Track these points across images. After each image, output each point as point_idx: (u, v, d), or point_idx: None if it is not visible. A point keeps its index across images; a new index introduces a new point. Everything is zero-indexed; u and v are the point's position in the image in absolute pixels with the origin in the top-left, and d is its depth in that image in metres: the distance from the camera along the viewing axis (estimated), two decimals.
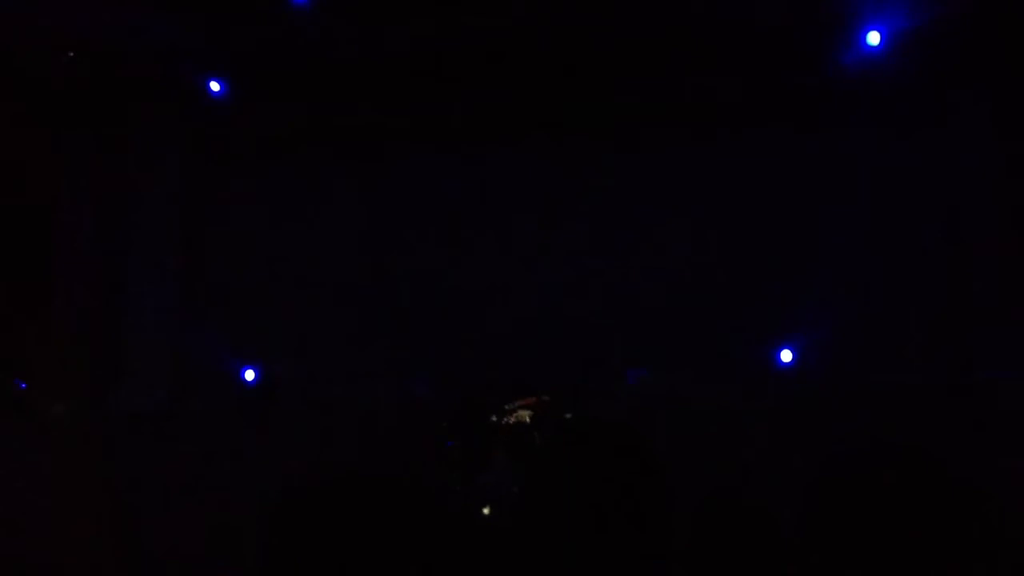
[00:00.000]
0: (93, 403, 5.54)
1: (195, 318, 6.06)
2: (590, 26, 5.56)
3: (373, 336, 5.94)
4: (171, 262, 6.15)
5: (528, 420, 5.29)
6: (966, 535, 2.20)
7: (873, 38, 5.50)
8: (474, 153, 5.99)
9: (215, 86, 6.19)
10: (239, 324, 5.98)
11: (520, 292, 5.86)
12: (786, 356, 5.85)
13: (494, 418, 5.31)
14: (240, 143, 6.18)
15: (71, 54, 5.87)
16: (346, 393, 5.69)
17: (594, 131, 5.89)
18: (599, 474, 2.27)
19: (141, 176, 6.27)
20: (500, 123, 5.92)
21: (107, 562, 3.75)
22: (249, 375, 5.92)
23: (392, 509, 2.30)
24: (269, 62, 5.89)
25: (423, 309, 5.92)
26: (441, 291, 5.92)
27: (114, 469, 4.50)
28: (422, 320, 5.89)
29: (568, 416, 5.10)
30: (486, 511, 5.08)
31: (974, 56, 5.56)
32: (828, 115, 5.72)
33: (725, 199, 5.88)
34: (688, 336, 5.72)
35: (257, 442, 5.51)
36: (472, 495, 5.27)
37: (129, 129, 6.29)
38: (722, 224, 5.87)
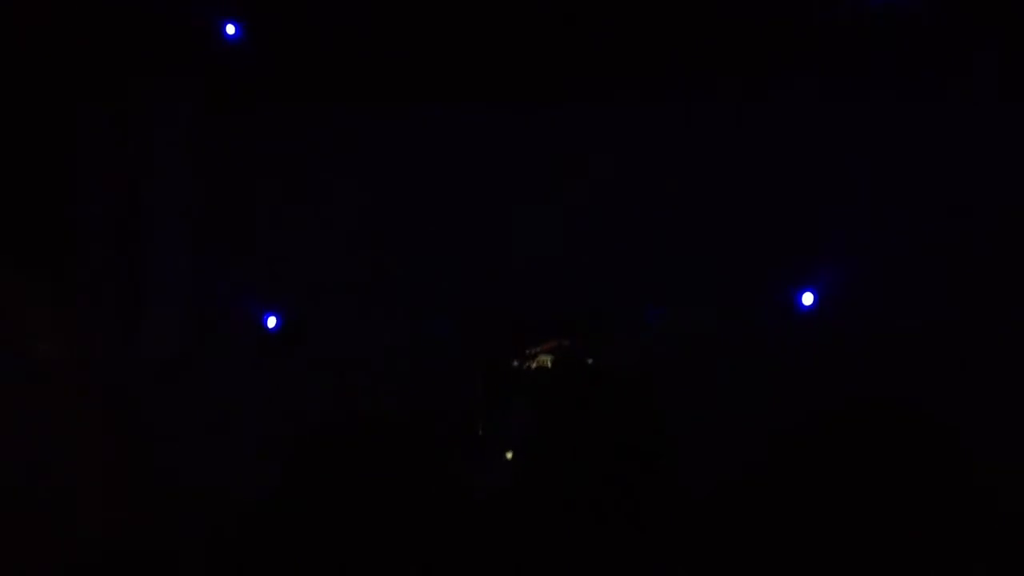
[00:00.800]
0: (112, 350, 5.55)
1: (212, 264, 6.05)
2: None
3: (392, 280, 5.92)
4: (187, 207, 6.13)
5: (549, 365, 5.29)
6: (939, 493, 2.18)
7: None
8: (501, 101, 5.93)
9: (231, 29, 6.13)
10: (256, 270, 5.97)
11: (540, 233, 5.82)
12: (807, 299, 5.82)
13: (515, 363, 5.32)
14: (257, 87, 6.13)
15: None
16: (364, 336, 5.68)
17: (616, 78, 5.82)
18: (612, 422, 2.26)
19: (156, 121, 6.23)
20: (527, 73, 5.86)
21: (123, 506, 3.77)
22: (271, 322, 5.91)
23: (410, 453, 2.29)
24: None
25: (442, 252, 5.89)
26: (461, 233, 5.89)
27: (135, 414, 4.51)
28: (442, 263, 5.87)
29: (588, 361, 5.10)
30: (508, 456, 5.09)
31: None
32: (852, 57, 5.64)
33: (747, 141, 5.82)
34: (709, 277, 5.68)
35: (276, 387, 5.51)
36: (492, 440, 5.28)
37: (142, 76, 6.25)
38: (744, 167, 5.81)
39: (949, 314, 5.55)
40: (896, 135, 5.68)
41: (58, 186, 6.30)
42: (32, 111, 6.07)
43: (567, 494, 2.25)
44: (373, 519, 2.15)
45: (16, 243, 5.80)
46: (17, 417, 3.94)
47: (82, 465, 3.77)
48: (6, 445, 3.87)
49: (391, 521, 2.13)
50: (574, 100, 5.91)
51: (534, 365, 5.24)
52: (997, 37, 5.59)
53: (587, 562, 2.15)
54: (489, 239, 5.87)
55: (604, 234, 5.81)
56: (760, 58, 5.79)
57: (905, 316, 5.60)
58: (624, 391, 2.37)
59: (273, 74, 6.15)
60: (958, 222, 5.61)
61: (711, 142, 5.85)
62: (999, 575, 2.10)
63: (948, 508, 2.14)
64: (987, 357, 5.30)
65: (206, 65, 6.20)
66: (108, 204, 6.22)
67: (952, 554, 2.12)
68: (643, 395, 2.35)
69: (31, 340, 4.14)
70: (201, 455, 5.21)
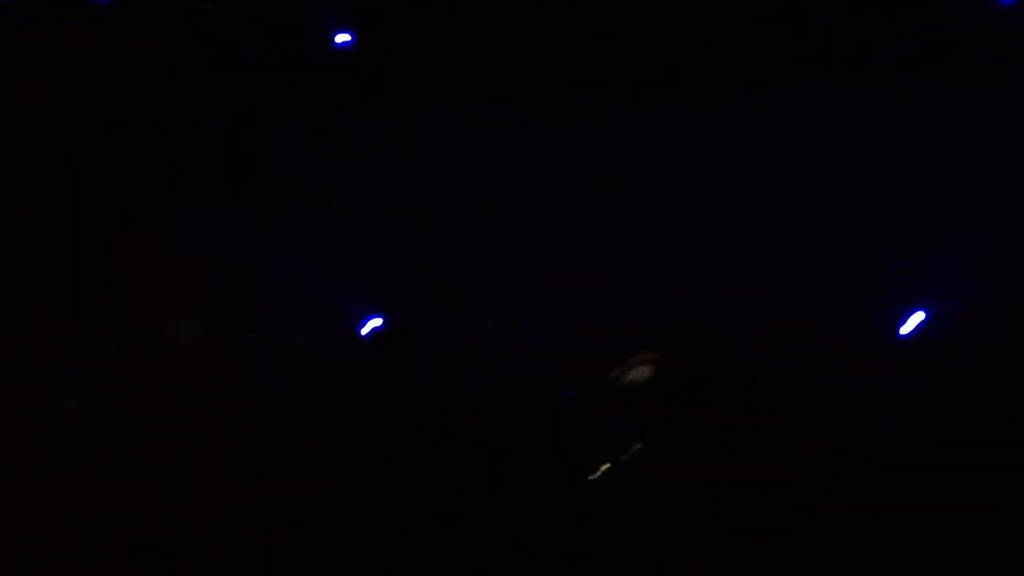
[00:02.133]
0: (222, 344, 5.65)
1: (319, 264, 6.12)
2: None
3: (492, 283, 5.94)
4: (297, 204, 6.21)
5: (650, 374, 5.24)
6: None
7: None
8: (622, 103, 5.93)
9: (344, 36, 6.22)
10: (362, 268, 6.03)
11: (643, 241, 5.80)
12: (914, 320, 5.72)
13: (616, 371, 5.28)
14: (364, 88, 6.21)
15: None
16: (465, 339, 5.70)
17: (712, 73, 5.79)
18: (722, 432, 2.23)
19: (266, 118, 6.32)
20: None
21: (233, 487, 3.83)
22: (376, 322, 5.97)
23: (507, 457, 2.29)
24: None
25: (544, 257, 5.89)
26: (563, 238, 5.89)
27: (248, 404, 4.58)
28: (543, 268, 5.87)
29: (691, 370, 5.05)
30: (604, 467, 5.06)
31: None
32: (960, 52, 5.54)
33: (862, 142, 5.75)
34: (815, 290, 5.62)
35: (378, 384, 5.56)
36: (589, 449, 5.25)
37: (252, 78, 6.35)
38: (856, 172, 5.74)
39: None
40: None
41: (167, 182, 6.43)
42: (138, 106, 6.22)
43: (671, 505, 2.24)
44: (480, 516, 2.16)
45: (135, 235, 5.96)
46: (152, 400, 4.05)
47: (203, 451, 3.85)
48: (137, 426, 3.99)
49: (496, 517, 2.14)
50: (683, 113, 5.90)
51: (634, 373, 5.20)
52: None
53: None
54: (592, 247, 5.86)
55: (710, 245, 5.77)
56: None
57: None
58: (730, 398, 2.35)
59: (377, 73, 6.22)
60: None
61: (808, 141, 5.80)
62: None
63: None
64: None
65: (312, 66, 6.30)
66: (217, 198, 6.33)
67: None
68: (750, 401, 2.32)
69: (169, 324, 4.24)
70: (315, 450, 5.27)
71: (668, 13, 5.82)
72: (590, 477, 3.56)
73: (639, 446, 2.39)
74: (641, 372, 5.26)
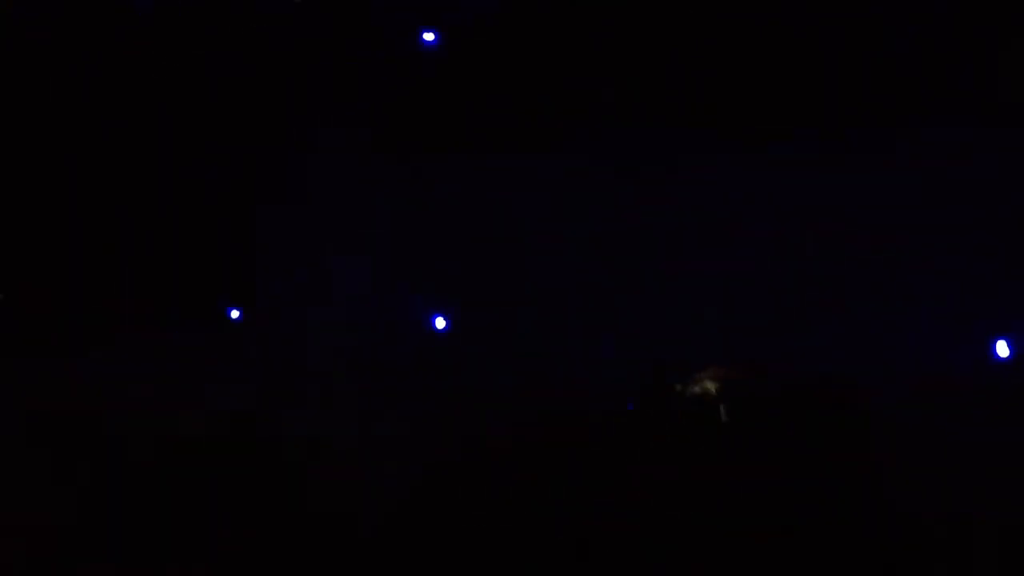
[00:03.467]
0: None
1: (386, 272, 6.12)
2: None
3: (560, 296, 5.88)
4: (366, 217, 6.22)
5: (714, 392, 5.13)
6: None
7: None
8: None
9: (429, 36, 6.17)
10: (429, 274, 6.02)
11: (709, 259, 5.70)
12: (1003, 349, 5.50)
13: (678, 387, 5.18)
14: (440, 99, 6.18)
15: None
16: (530, 349, 5.65)
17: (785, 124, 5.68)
18: (794, 451, 2.12)
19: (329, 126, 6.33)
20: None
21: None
22: (440, 323, 5.95)
23: (571, 469, 2.23)
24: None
25: (611, 273, 5.82)
26: (629, 254, 5.80)
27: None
28: (610, 283, 5.80)
29: (756, 388, 4.93)
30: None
31: None
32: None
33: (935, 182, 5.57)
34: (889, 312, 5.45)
35: (441, 389, 5.53)
36: (653, 463, 5.15)
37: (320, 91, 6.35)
38: (932, 199, 5.56)
39: None
40: None
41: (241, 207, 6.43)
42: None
43: (741, 529, 2.13)
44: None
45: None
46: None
47: None
48: None
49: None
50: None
51: (698, 390, 5.09)
52: None
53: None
54: (658, 263, 5.77)
55: (778, 261, 5.64)
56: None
57: None
58: (804, 418, 2.24)
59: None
60: None
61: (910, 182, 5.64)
62: None
63: None
64: None
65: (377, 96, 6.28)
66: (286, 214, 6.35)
67: None
68: (828, 423, 2.21)
69: None
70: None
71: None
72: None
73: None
74: (707, 387, 5.14)
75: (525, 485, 2.12)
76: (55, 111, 6.23)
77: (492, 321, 5.91)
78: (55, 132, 6.23)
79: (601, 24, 5.78)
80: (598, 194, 5.94)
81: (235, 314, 6.12)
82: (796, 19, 5.66)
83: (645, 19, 5.78)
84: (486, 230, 6.07)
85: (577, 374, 5.58)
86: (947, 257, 5.58)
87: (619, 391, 5.36)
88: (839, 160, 5.72)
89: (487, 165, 6.05)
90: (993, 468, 4.08)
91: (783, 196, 5.73)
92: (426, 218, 6.10)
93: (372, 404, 5.76)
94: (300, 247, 6.17)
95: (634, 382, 5.35)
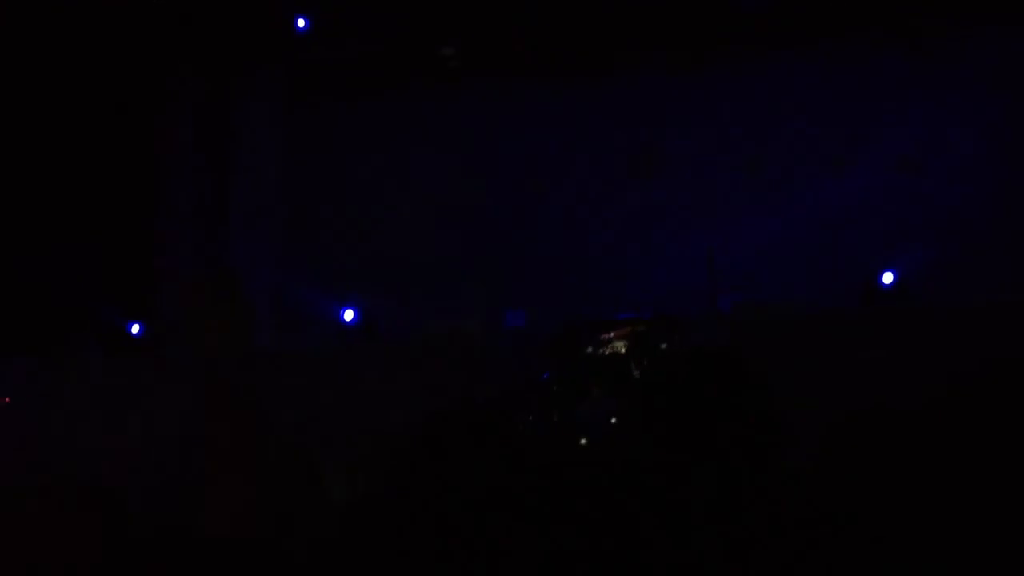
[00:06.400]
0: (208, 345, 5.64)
1: (296, 259, 6.09)
2: None
3: (468, 271, 5.92)
4: (273, 202, 6.16)
5: (624, 351, 5.23)
6: None
7: None
8: (564, 85, 5.89)
9: (300, 22, 6.16)
10: (337, 264, 6.01)
11: (613, 222, 5.79)
12: (887, 278, 5.73)
13: (590, 349, 5.26)
14: (332, 80, 6.15)
15: None
16: (442, 328, 5.68)
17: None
18: (698, 404, 2.19)
19: (242, 117, 6.27)
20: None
21: (239, 490, 3.81)
22: (348, 315, 5.94)
23: (489, 441, 2.28)
24: None
25: (516, 242, 5.87)
26: (533, 223, 5.87)
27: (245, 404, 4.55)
28: (516, 253, 5.85)
29: (663, 346, 5.04)
30: (583, 442, 5.05)
31: None
32: None
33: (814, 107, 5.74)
34: (785, 262, 5.61)
35: (357, 378, 5.53)
36: (569, 427, 5.24)
37: (230, 73, 6.27)
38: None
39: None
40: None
41: (144, 185, 6.33)
42: (118, 110, 6.12)
43: (649, 480, 2.20)
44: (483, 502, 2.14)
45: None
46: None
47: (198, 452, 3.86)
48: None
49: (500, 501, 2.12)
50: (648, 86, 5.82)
51: (608, 351, 5.19)
52: None
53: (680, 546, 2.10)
54: (563, 230, 5.84)
55: (678, 223, 5.75)
56: None
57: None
58: (703, 373, 2.29)
59: (352, 63, 6.16)
60: None
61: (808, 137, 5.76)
62: None
63: None
64: None
65: (287, 57, 6.22)
66: (194, 206, 6.26)
67: None
68: (729, 375, 2.26)
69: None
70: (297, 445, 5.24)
71: None
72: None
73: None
74: (615, 349, 5.25)
75: (452, 469, 2.18)
76: None
77: (406, 301, 5.91)
78: None
79: None
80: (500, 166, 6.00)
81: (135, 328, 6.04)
82: None
83: None
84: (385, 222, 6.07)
85: (491, 349, 5.62)
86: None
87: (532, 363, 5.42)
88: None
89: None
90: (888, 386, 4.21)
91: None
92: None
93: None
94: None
95: (549, 347, 5.39)
